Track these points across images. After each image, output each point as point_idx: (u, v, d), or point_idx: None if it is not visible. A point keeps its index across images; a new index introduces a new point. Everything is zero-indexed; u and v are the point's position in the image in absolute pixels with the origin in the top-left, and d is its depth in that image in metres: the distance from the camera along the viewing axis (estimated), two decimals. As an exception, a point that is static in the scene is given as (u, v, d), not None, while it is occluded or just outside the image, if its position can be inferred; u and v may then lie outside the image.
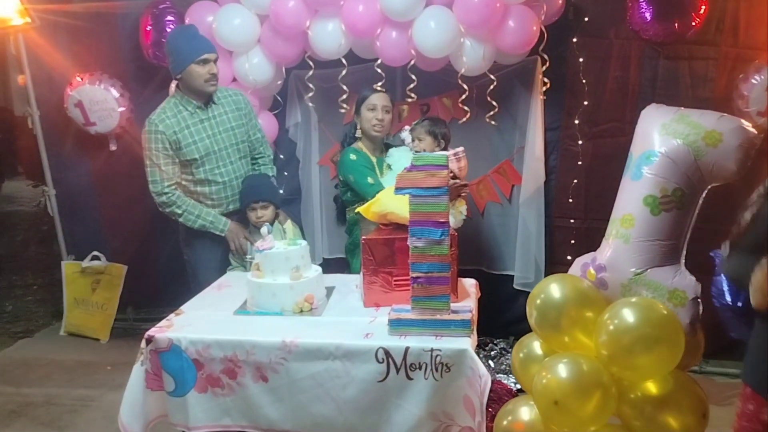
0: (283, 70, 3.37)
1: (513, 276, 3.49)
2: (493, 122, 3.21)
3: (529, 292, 1.90)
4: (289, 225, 2.32)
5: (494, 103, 3.14)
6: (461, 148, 2.80)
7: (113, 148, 3.78)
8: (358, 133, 3.00)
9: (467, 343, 1.87)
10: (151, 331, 2.01)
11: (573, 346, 1.75)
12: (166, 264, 3.75)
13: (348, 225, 3.11)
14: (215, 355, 1.95)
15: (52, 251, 4.24)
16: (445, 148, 2.94)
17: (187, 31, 2.95)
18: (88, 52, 3.67)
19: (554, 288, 1.80)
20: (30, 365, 3.68)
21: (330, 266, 3.37)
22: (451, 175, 2.70)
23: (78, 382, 3.44)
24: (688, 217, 1.79)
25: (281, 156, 3.61)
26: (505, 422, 1.79)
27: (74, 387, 3.38)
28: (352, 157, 2.92)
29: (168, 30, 3.25)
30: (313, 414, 1.92)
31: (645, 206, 1.74)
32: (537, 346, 1.94)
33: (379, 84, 3.01)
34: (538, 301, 1.82)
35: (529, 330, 2.04)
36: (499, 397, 2.55)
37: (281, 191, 3.40)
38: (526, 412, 1.75)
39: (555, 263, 3.32)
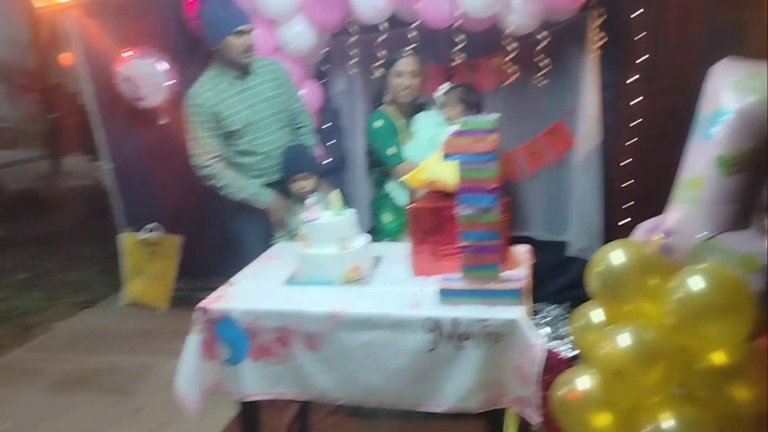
0: (326, 37, 3.32)
1: (566, 242, 3.40)
2: (543, 83, 3.10)
3: (583, 259, 1.84)
4: (334, 195, 2.29)
5: (544, 62, 3.02)
6: (496, 116, 2.71)
7: (163, 121, 3.84)
8: (387, 98, 2.94)
9: (519, 312, 1.83)
10: (204, 302, 2.04)
11: (636, 314, 1.68)
12: (219, 234, 3.81)
13: (373, 183, 3.12)
14: (266, 325, 1.97)
15: (111, 224, 4.38)
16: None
17: (223, 2, 2.93)
18: (135, 27, 3.71)
19: (617, 255, 1.70)
20: (94, 334, 3.85)
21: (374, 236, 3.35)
22: None
23: (139, 350, 3.58)
24: (763, 178, 1.68)
25: (326, 125, 3.59)
26: (561, 392, 1.74)
27: (136, 354, 3.52)
28: (377, 124, 2.90)
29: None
30: (362, 383, 1.93)
31: (716, 167, 1.63)
32: (597, 315, 1.87)
33: (409, 48, 2.92)
34: (600, 269, 1.74)
35: (585, 297, 1.98)
36: (552, 366, 2.50)
37: (329, 160, 3.39)
38: (584, 381, 1.70)
39: (612, 228, 3.21)
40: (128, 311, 4.16)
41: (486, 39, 3.13)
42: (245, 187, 2.97)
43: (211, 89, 2.89)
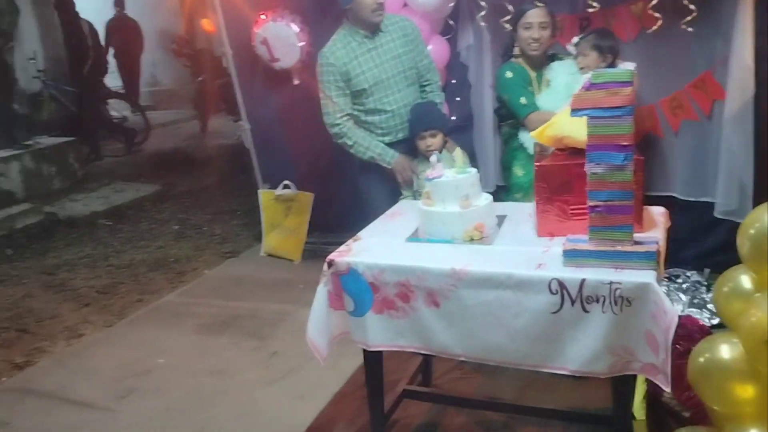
0: (455, -10, 3.25)
1: (711, 203, 3.14)
2: (689, 29, 2.83)
3: (731, 221, 1.68)
4: (458, 152, 2.27)
5: (692, 6, 2.75)
6: (633, 65, 2.52)
7: (296, 82, 3.98)
8: (516, 51, 2.84)
9: (651, 276, 1.73)
10: (332, 256, 2.13)
11: None
12: (349, 191, 3.93)
13: (503, 138, 3.02)
14: (389, 279, 2.02)
15: (251, 180, 4.66)
16: (612, 64, 2.68)
17: None
18: (270, -11, 3.85)
19: None
20: (236, 282, 4.15)
21: (503, 193, 3.29)
22: None
23: (276, 298, 3.82)
24: None
25: (453, 81, 3.53)
26: (701, 359, 1.64)
27: (273, 302, 3.77)
28: (508, 74, 2.81)
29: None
30: (484, 340, 1.93)
31: None
32: (745, 280, 1.72)
33: None
34: (752, 231, 1.58)
35: (729, 262, 1.82)
36: (689, 333, 2.36)
37: (453, 117, 3.35)
38: (726, 350, 1.58)
39: (764, 189, 2.91)
40: (266, 262, 4.44)
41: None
42: (372, 146, 3.02)
43: (342, 48, 2.95)
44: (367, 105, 3.01)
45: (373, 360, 2.23)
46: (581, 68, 2.75)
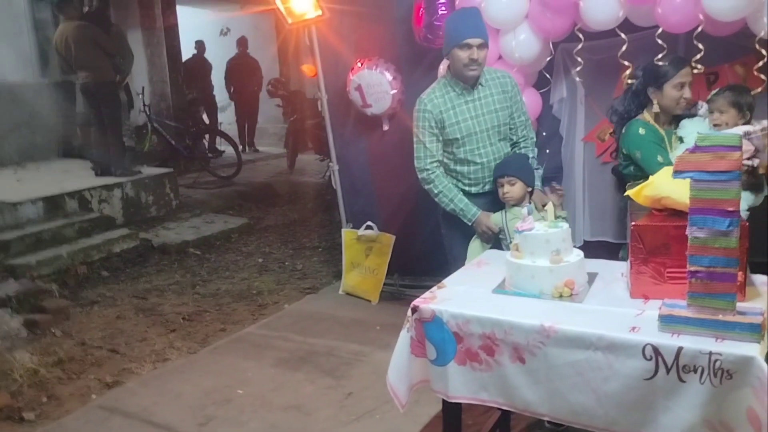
0: (551, 44, 3.27)
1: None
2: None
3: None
4: (550, 206, 2.26)
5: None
6: (762, 126, 2.42)
7: (386, 128, 4.09)
8: (655, 108, 2.72)
9: (756, 349, 1.64)
10: (417, 302, 2.14)
11: None
12: (429, 236, 3.96)
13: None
14: (474, 330, 2.00)
15: (334, 219, 4.77)
16: (748, 122, 2.58)
17: (461, 14, 3.02)
18: (368, 37, 4.00)
19: None
20: (315, 318, 4.22)
21: (591, 250, 3.21)
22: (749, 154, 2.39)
23: (353, 338, 3.85)
24: None
25: (544, 133, 3.53)
26: None
27: (349, 341, 3.80)
28: (641, 131, 2.70)
29: (440, 12, 3.36)
30: (571, 402, 1.88)
31: None
32: None
33: (690, 58, 2.69)
34: None
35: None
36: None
37: (537, 168, 3.31)
38: None
39: None
40: (344, 300, 4.50)
41: (729, 43, 2.83)
42: (457, 200, 3.04)
43: (440, 97, 3.01)
44: (457, 155, 3.04)
45: (452, 411, 2.20)
46: (715, 125, 2.65)
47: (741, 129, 2.51)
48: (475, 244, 3.06)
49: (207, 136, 9.35)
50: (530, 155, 3.12)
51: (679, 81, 2.65)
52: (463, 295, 2.18)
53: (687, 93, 2.66)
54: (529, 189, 2.98)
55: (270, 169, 9.71)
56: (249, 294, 4.77)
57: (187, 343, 3.96)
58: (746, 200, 2.54)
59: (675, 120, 2.76)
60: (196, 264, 5.56)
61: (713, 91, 2.71)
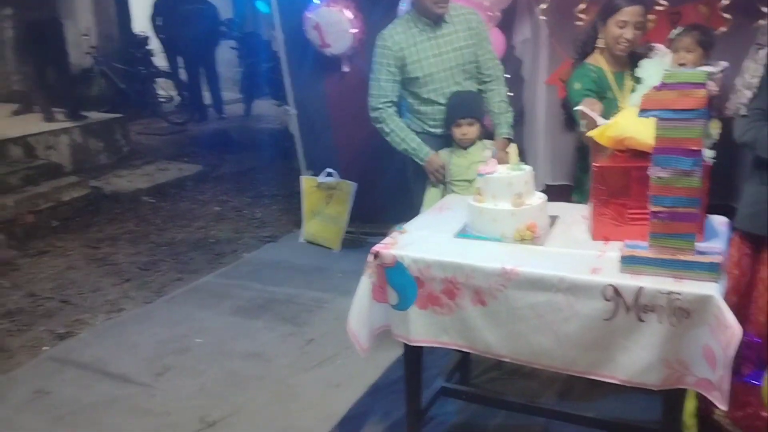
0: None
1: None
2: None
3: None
4: (513, 148, 2.21)
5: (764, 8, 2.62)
6: (725, 64, 2.40)
7: (346, 69, 3.95)
8: (600, 43, 2.64)
9: (714, 288, 1.65)
10: (377, 247, 2.10)
11: None
12: (392, 182, 3.90)
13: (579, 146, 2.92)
14: (436, 275, 1.98)
15: (294, 166, 4.66)
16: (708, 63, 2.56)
17: None
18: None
19: None
20: (274, 266, 4.16)
21: (553, 193, 3.19)
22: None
23: (313, 285, 3.81)
24: None
25: (507, 75, 3.45)
26: None
27: (310, 289, 3.76)
28: (576, 86, 2.63)
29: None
30: (531, 343, 1.88)
31: None
32: None
33: None
34: None
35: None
36: (754, 352, 2.25)
37: (511, 111, 3.25)
38: None
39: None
40: (305, 248, 4.43)
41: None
42: (408, 139, 2.97)
43: (402, 33, 2.90)
44: (421, 95, 2.96)
45: (413, 355, 2.19)
46: (680, 65, 2.60)
47: (705, 69, 2.49)
48: (433, 191, 3.01)
49: (159, 79, 8.97)
50: (498, 97, 3.03)
51: (622, 18, 2.53)
52: (425, 240, 2.14)
53: (628, 34, 2.54)
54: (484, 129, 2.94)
55: (227, 114, 9.42)
56: (206, 243, 4.66)
57: (142, 293, 3.86)
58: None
59: (632, 61, 2.70)
60: (150, 213, 5.39)
61: (676, 30, 2.67)
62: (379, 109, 2.97)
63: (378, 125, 3.01)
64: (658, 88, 1.67)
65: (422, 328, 2.05)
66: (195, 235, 4.82)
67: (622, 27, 2.55)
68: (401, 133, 2.98)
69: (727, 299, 2.44)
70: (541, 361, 1.90)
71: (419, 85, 2.93)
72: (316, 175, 4.36)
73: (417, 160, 2.98)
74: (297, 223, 4.66)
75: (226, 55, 10.47)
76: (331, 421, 2.54)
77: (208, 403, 2.72)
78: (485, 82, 3.03)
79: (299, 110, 4.29)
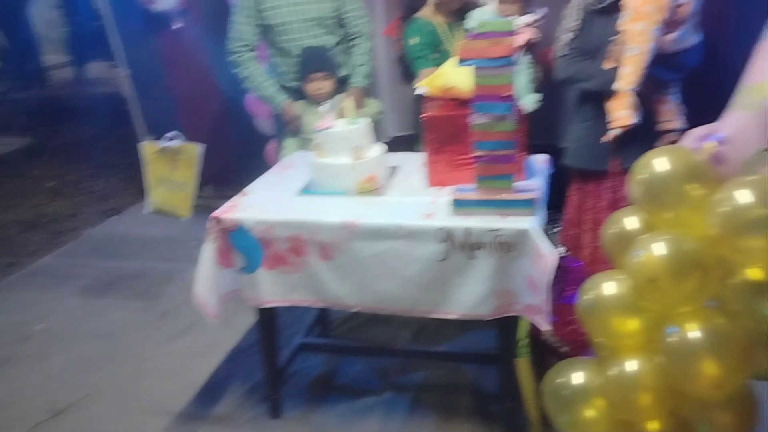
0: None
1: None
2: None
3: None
4: (348, 102, 2.23)
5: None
6: (544, 11, 2.57)
7: (178, 25, 3.73)
8: (429, 1, 2.74)
9: (530, 222, 1.81)
10: (217, 213, 2.06)
11: (676, 223, 1.62)
12: (241, 142, 3.80)
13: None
14: (280, 234, 1.98)
15: (133, 132, 4.38)
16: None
17: None
18: None
19: (662, 162, 1.61)
20: (120, 241, 3.95)
21: (399, 144, 3.30)
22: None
23: (164, 256, 3.67)
24: None
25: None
26: (589, 296, 1.73)
27: (161, 261, 3.62)
28: (412, 41, 2.71)
29: None
30: (377, 291, 1.96)
31: None
32: (633, 222, 1.81)
33: None
34: (643, 176, 1.65)
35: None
36: (570, 273, 2.50)
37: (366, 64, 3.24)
38: (612, 287, 1.68)
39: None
40: (152, 219, 4.19)
41: None
42: (265, 86, 2.93)
43: None
44: (278, 44, 2.91)
45: (267, 316, 2.21)
46: (505, 16, 2.69)
47: (526, 18, 2.65)
48: (291, 141, 2.98)
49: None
50: (359, 50, 2.98)
51: None
52: (268, 200, 2.14)
53: None
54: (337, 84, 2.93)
55: (55, 81, 8.60)
56: (41, 222, 4.30)
57: (-30, 282, 3.51)
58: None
59: (460, 11, 2.81)
60: (-27, 194, 4.87)
61: None
62: (236, 53, 2.91)
63: (235, 69, 2.95)
64: (472, 38, 1.75)
65: (272, 289, 2.06)
66: (28, 215, 4.44)
67: None
68: (259, 78, 2.94)
69: (566, 230, 2.75)
70: (387, 306, 1.99)
71: (276, 34, 2.88)
72: (159, 139, 4.13)
73: (273, 107, 2.96)
74: (142, 194, 4.40)
75: (47, 14, 9.49)
76: (191, 391, 2.50)
77: (56, 390, 2.57)
78: (351, 38, 3.00)
79: (133, 71, 4.01)
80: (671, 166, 1.58)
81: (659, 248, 1.51)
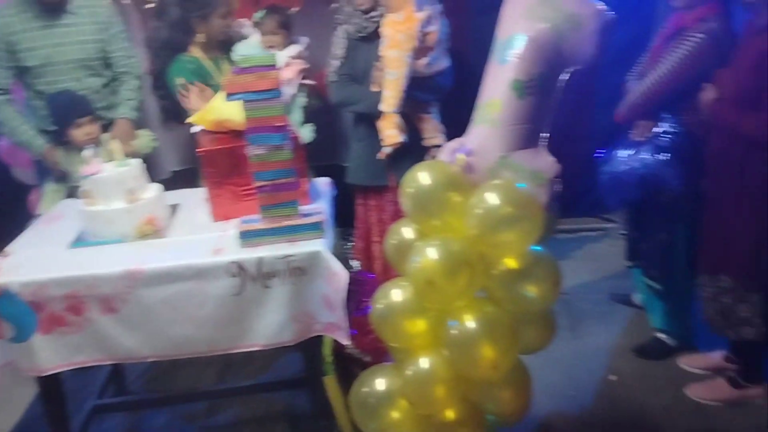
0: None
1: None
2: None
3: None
4: (116, 144, 2.11)
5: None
6: (306, 40, 2.69)
7: None
8: (201, 38, 2.70)
9: (320, 244, 1.88)
10: (-26, 280, 1.82)
11: (444, 229, 1.80)
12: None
13: None
14: (53, 294, 1.81)
15: None
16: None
17: None
18: None
19: (425, 175, 1.79)
20: None
21: (180, 179, 3.18)
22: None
23: None
24: (549, 100, 1.84)
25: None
26: (380, 305, 1.84)
27: None
28: (179, 81, 2.64)
29: None
30: (171, 337, 1.87)
31: (512, 90, 1.74)
32: (408, 231, 1.96)
33: None
34: (411, 189, 1.81)
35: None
36: (364, 285, 2.62)
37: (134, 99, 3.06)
38: (399, 293, 1.81)
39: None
40: None
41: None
42: (20, 131, 2.66)
43: (14, 15, 2.59)
44: (35, 86, 2.66)
45: (50, 385, 1.99)
46: (270, 47, 2.72)
47: (291, 50, 2.73)
48: (53, 188, 2.72)
49: None
50: (126, 86, 2.83)
51: (225, 10, 2.69)
52: (35, 258, 1.94)
53: (226, 21, 2.72)
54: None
55: None
56: None
57: None
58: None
59: (224, 45, 2.81)
60: None
61: (257, 13, 2.82)
62: None
63: None
64: (236, 73, 1.78)
65: (51, 354, 1.87)
66: None
67: (226, 17, 2.70)
68: (13, 123, 2.67)
69: (358, 244, 2.88)
70: (184, 351, 1.91)
71: (33, 76, 2.65)
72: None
73: (32, 153, 2.73)
74: None
75: None
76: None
77: None
78: (117, 78, 2.83)
79: None
80: (432, 179, 1.77)
81: (432, 253, 1.68)
